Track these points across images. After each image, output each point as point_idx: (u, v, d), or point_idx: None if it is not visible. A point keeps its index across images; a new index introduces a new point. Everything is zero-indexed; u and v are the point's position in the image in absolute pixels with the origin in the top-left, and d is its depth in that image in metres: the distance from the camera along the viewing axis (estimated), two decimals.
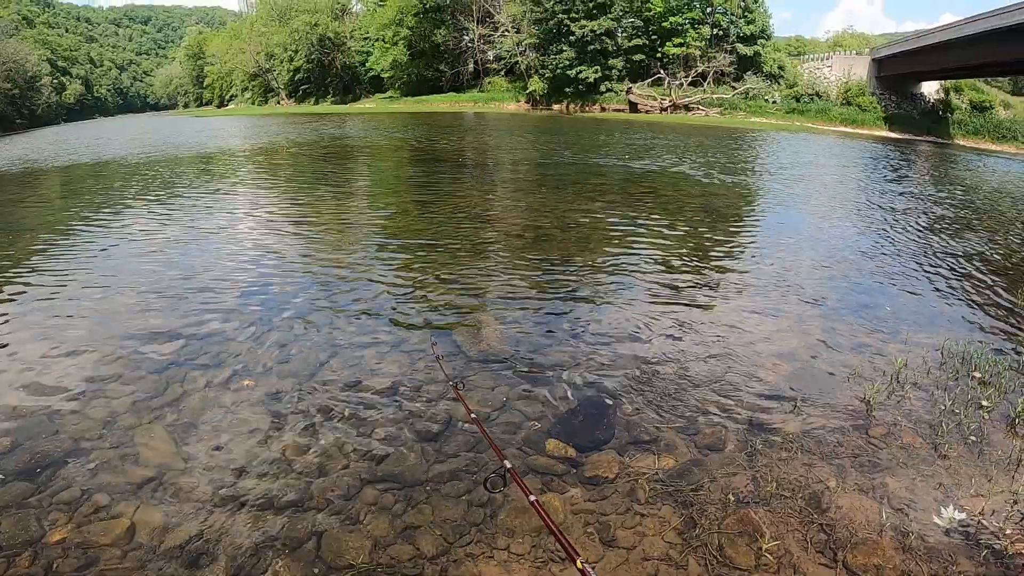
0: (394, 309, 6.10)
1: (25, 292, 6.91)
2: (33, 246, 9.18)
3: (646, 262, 7.63)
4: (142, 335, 5.53)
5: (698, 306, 6.21)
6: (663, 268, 7.40)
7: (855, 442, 3.90)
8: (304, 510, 3.29)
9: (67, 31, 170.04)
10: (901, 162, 22.45)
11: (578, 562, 1.81)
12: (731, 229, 9.82)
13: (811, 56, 52.66)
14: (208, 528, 3.17)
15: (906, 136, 39.62)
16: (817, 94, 47.16)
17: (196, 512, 3.28)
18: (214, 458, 3.74)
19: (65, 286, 7.03)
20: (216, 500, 3.37)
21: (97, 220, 10.95)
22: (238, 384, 4.70)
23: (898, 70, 43.41)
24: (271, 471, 3.61)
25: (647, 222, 9.96)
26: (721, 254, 8.22)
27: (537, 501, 2.46)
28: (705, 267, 7.57)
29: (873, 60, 46.66)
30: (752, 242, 8.97)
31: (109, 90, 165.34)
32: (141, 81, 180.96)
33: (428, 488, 3.46)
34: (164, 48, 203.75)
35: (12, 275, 7.59)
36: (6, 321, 6.05)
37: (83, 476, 3.60)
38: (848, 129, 41.39)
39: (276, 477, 3.56)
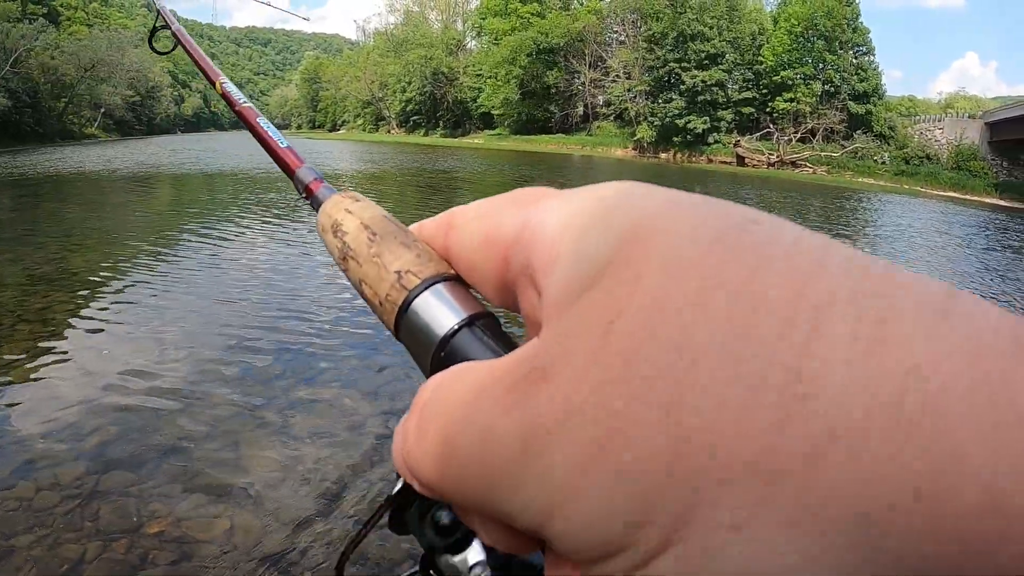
0: None
1: (139, 293, 7.30)
2: (145, 250, 9.75)
3: None
4: (247, 345, 5.71)
5: None
6: None
7: None
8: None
9: None
10: (1017, 235, 20.91)
11: None
12: None
13: (922, 117, 52.07)
14: (305, 539, 3.19)
15: (1018, 205, 38.41)
16: (927, 156, 46.77)
17: (294, 522, 3.30)
18: (317, 471, 3.77)
19: (177, 289, 7.50)
20: (315, 512, 3.39)
21: (210, 228, 11.62)
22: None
23: (1012, 135, 42.10)
24: (372, 488, 3.62)
25: None
26: None
27: None
28: None
29: (986, 124, 45.68)
30: None
31: (226, 107, 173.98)
32: (257, 100, 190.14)
33: None
34: (282, 70, 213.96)
35: (128, 274, 8.10)
36: (119, 320, 6.36)
37: (185, 474, 3.67)
38: (957, 195, 40.80)
39: (378, 495, 3.55)
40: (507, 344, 0.30)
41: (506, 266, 0.28)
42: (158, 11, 1.61)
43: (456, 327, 0.31)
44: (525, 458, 0.19)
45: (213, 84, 0.99)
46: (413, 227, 0.38)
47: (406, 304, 0.33)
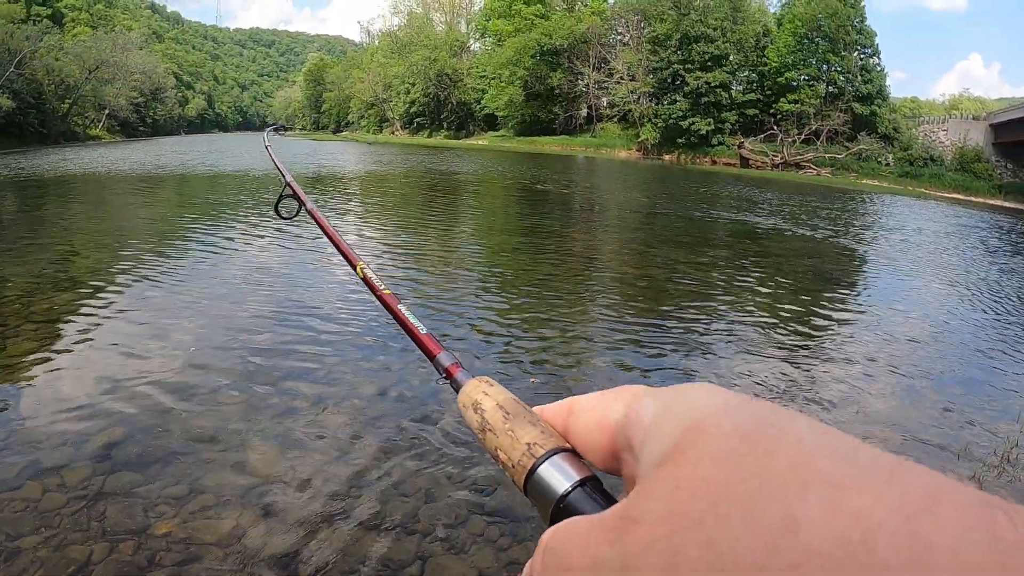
0: (507, 345, 6.30)
1: (146, 292, 7.44)
2: (150, 250, 9.87)
3: (754, 322, 7.66)
4: (253, 346, 5.80)
5: (805, 371, 6.18)
6: (771, 329, 7.41)
7: None
8: (409, 533, 3.34)
9: (194, 48, 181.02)
10: (1020, 236, 21.40)
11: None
12: (839, 293, 9.68)
13: (926, 119, 52.17)
14: (311, 541, 3.23)
15: (1023, 207, 38.45)
16: (931, 158, 46.79)
17: (300, 523, 3.35)
18: (322, 472, 3.84)
19: (182, 290, 7.60)
20: (321, 514, 3.44)
21: (215, 229, 11.83)
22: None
23: (1017, 137, 42.30)
24: (377, 491, 3.69)
25: (756, 280, 9.94)
26: (828, 319, 8.15)
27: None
28: (812, 331, 7.55)
29: (990, 126, 45.78)
30: (861, 308, 8.89)
31: (230, 107, 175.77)
32: (261, 101, 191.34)
33: (534, 525, 3.49)
34: (285, 71, 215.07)
35: (133, 275, 8.20)
36: (124, 321, 6.46)
37: (192, 475, 3.70)
38: (961, 196, 40.76)
39: (383, 498, 3.63)
40: (608, 499, 0.39)
41: (613, 443, 0.38)
42: (287, 183, 1.89)
43: (571, 488, 0.40)
44: (624, 574, 0.28)
45: (354, 267, 1.05)
46: (536, 409, 0.48)
47: (534, 469, 0.42)
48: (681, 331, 7.05)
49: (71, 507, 3.38)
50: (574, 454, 0.42)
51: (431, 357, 0.70)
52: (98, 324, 6.32)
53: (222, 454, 3.97)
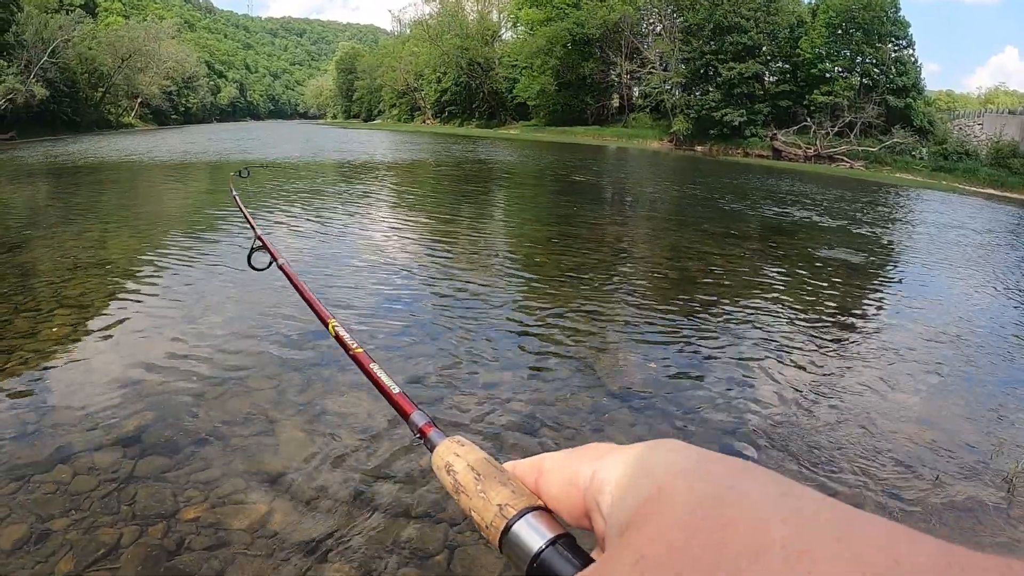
0: (543, 332, 6.35)
1: (176, 279, 7.51)
2: (183, 235, 10.06)
3: (787, 315, 7.55)
4: (285, 331, 5.81)
5: (838, 364, 6.12)
6: (803, 323, 7.33)
7: (994, 522, 3.80)
8: (438, 522, 3.35)
9: (226, 37, 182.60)
10: None
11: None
12: (872, 287, 9.58)
13: (961, 113, 51.18)
14: (339, 527, 3.23)
15: None
16: (966, 152, 45.86)
17: (329, 510, 3.36)
18: (350, 458, 3.85)
19: (214, 275, 7.70)
20: (350, 501, 3.45)
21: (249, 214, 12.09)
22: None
23: None
24: (406, 478, 3.70)
25: (789, 273, 9.79)
26: (861, 313, 8.07)
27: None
28: (845, 325, 7.44)
29: None
30: (894, 303, 8.72)
31: (261, 96, 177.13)
32: (292, 90, 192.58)
33: None
34: (317, 60, 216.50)
35: (166, 260, 8.28)
36: (156, 305, 6.51)
37: (221, 460, 3.72)
38: (996, 192, 39.73)
39: (412, 486, 3.62)
40: (581, 555, 0.40)
41: (582, 502, 0.39)
42: (258, 236, 1.96)
43: (544, 546, 0.41)
44: None
45: (326, 324, 1.08)
46: (507, 465, 0.49)
47: (507, 528, 0.43)
48: (712, 324, 6.97)
49: (101, 490, 3.40)
50: (547, 512, 0.43)
51: (405, 416, 0.70)
52: (130, 309, 6.38)
53: (252, 439, 3.99)
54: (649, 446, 0.35)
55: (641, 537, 0.29)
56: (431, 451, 0.58)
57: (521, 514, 0.43)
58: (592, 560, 0.38)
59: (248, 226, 1.99)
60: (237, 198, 3.10)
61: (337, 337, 0.95)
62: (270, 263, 1.86)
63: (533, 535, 0.41)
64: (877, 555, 0.24)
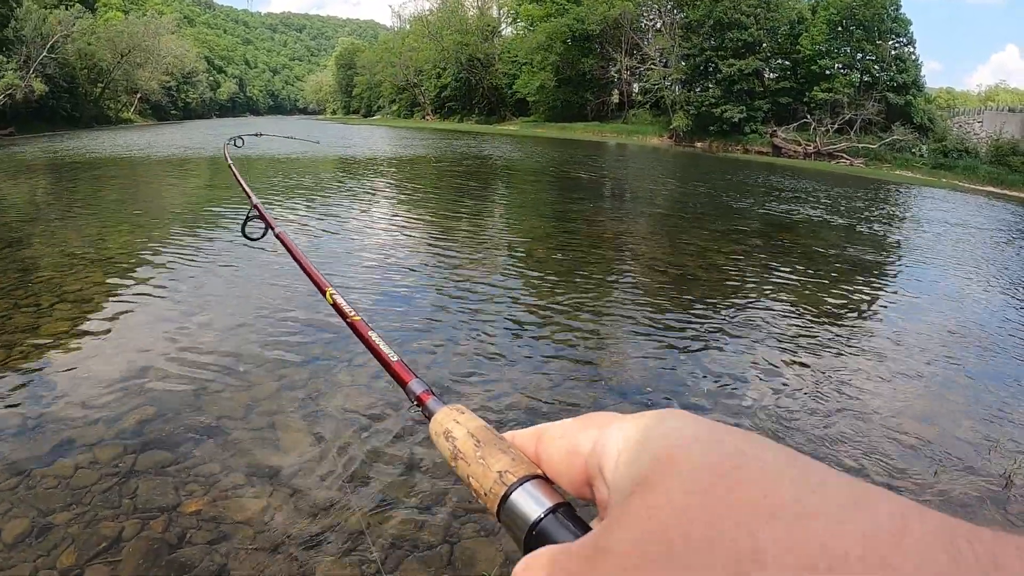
0: (543, 327, 6.35)
1: (176, 274, 7.47)
2: (182, 231, 10.07)
3: (787, 312, 7.52)
4: (285, 326, 5.83)
5: (838, 362, 6.11)
6: (804, 320, 7.30)
7: (993, 518, 3.85)
8: (439, 515, 3.36)
9: (225, 32, 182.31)
10: None
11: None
12: (872, 285, 9.49)
13: (961, 110, 51.00)
14: (343, 521, 3.24)
15: None
16: (966, 150, 45.71)
17: (329, 503, 3.36)
18: (353, 454, 3.84)
19: (214, 271, 7.67)
20: (352, 495, 3.45)
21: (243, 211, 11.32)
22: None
23: None
24: (406, 471, 3.70)
25: (789, 271, 9.68)
26: (862, 311, 8.06)
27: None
28: (845, 323, 7.42)
29: None
30: (894, 301, 8.72)
31: (261, 91, 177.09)
32: (292, 85, 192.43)
33: None
34: (316, 56, 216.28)
35: (165, 256, 8.30)
36: (156, 300, 6.50)
37: (222, 454, 3.73)
38: (996, 189, 39.43)
39: (412, 480, 3.64)
40: (580, 525, 0.39)
41: (584, 471, 0.38)
42: (254, 204, 1.93)
43: (543, 515, 0.40)
44: None
45: (323, 293, 1.07)
46: (507, 435, 0.48)
47: (506, 496, 0.42)
48: (712, 320, 6.98)
49: (102, 484, 3.40)
50: (546, 480, 0.42)
51: (403, 384, 0.69)
52: (130, 303, 6.39)
53: (253, 433, 3.99)
54: (657, 415, 0.35)
55: (648, 499, 0.29)
56: (428, 419, 0.57)
57: (521, 482, 0.42)
58: (591, 530, 0.37)
59: (244, 195, 1.96)
60: (233, 167, 3.07)
61: (335, 305, 0.95)
62: (265, 231, 1.81)
63: (532, 503, 0.41)
64: (887, 520, 0.24)
